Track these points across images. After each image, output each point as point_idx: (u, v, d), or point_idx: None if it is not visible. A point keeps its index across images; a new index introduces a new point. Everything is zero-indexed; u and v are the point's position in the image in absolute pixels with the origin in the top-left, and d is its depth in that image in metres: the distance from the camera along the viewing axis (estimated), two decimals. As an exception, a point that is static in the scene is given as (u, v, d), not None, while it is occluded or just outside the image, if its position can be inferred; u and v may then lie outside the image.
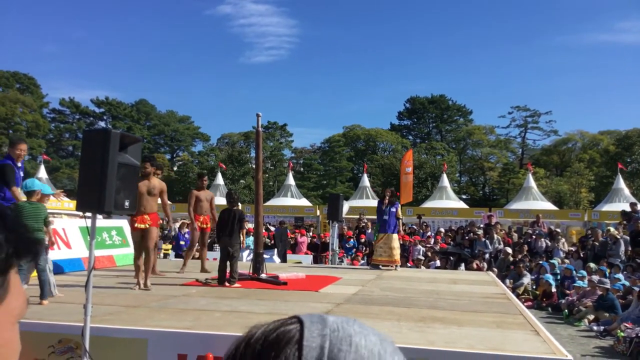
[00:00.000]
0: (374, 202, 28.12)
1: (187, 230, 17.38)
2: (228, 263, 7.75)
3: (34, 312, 5.10)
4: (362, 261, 15.98)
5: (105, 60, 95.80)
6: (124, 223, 11.17)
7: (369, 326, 0.61)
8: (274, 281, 8.10)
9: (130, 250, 11.02)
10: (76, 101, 63.19)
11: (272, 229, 18.52)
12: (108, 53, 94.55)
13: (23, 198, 6.47)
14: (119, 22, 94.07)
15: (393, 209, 11.12)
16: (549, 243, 16.31)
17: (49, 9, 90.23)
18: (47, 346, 4.56)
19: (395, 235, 11.07)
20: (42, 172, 31.43)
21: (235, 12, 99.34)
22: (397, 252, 11.09)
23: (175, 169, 57.85)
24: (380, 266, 11.09)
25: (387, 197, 11.23)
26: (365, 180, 30.20)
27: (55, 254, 8.37)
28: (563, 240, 17.01)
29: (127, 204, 4.41)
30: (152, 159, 8.04)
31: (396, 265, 11.13)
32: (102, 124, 63.73)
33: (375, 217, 22.21)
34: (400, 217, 11.32)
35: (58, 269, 8.33)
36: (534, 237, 16.78)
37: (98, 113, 64.12)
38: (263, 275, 8.46)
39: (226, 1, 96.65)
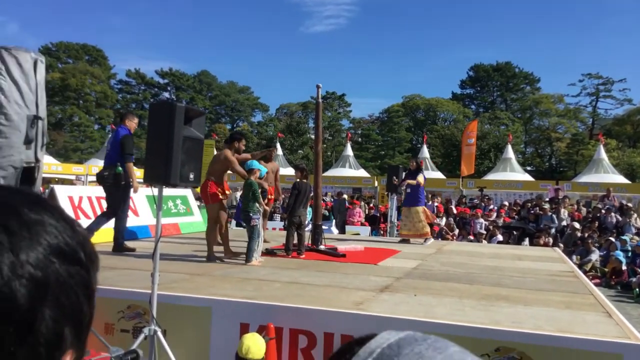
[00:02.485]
0: (434, 174, 27.75)
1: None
2: (296, 234, 7.85)
3: (105, 278, 5.34)
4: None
5: (169, 32, 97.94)
6: (188, 192, 11.51)
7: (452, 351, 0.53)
8: (333, 253, 8.12)
9: (194, 218, 11.38)
10: (142, 72, 65.25)
11: (328, 199, 18.57)
12: (172, 25, 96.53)
13: (134, 173, 7.45)
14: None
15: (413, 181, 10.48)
16: (620, 218, 15.54)
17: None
18: (117, 311, 4.77)
19: (418, 208, 10.44)
20: (111, 142, 32.78)
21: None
22: (422, 225, 10.43)
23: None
24: (405, 240, 10.67)
25: (412, 168, 10.66)
26: (425, 152, 29.69)
27: (127, 221, 8.72)
28: (635, 215, 16.14)
29: (192, 176, 4.49)
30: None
31: (426, 239, 10.52)
32: (166, 94, 65.53)
33: (434, 189, 21.92)
34: (419, 183, 10.42)
35: (131, 235, 8.71)
36: (603, 211, 16.03)
37: (162, 84, 65.92)
38: (322, 247, 8.51)
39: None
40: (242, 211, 7.02)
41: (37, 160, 4.04)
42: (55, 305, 0.57)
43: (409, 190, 10.61)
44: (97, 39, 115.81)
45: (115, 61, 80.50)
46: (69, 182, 24.09)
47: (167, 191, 10.87)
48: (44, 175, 7.17)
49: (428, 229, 10.68)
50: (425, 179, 10.76)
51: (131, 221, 9.33)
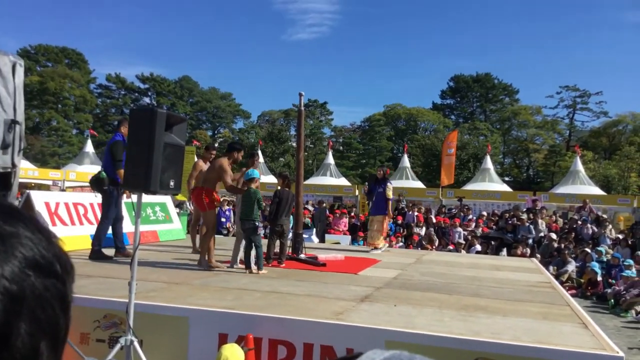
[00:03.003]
0: (414, 183, 27.89)
1: (227, 207, 17.61)
2: (277, 242, 7.83)
3: (81, 286, 5.25)
4: (401, 243, 15.85)
5: (151, 37, 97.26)
6: (167, 199, 11.38)
7: None
8: (313, 262, 8.10)
9: (173, 226, 11.25)
10: (122, 77, 64.52)
11: (311, 208, 18.50)
12: (153, 30, 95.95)
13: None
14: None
15: (380, 189, 10.47)
16: (596, 229, 15.79)
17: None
18: (92, 321, 4.68)
19: (379, 217, 10.45)
20: (89, 147, 32.32)
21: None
22: (377, 235, 10.45)
23: (216, 145, 58.47)
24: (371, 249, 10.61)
25: (379, 177, 10.61)
26: (406, 161, 29.83)
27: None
28: (610, 226, 16.42)
29: (172, 183, 4.44)
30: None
31: (373, 248, 10.47)
32: (146, 100, 64.93)
33: (414, 198, 22.05)
34: (390, 197, 10.50)
35: (109, 242, 8.57)
36: (579, 222, 16.27)
37: (143, 89, 65.33)
38: (302, 256, 8.48)
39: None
40: (246, 221, 7.07)
41: (13, 165, 3.96)
42: (31, 319, 0.55)
43: (373, 199, 10.65)
44: (77, 43, 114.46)
45: (95, 65, 79.75)
46: (46, 188, 23.68)
47: (146, 198, 10.73)
48: (20, 180, 7.07)
49: (380, 241, 10.63)
50: (392, 188, 10.83)
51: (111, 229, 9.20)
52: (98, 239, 7.63)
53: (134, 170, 4.34)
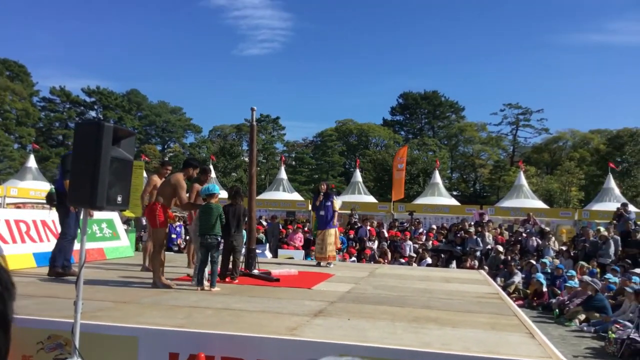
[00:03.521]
0: (366, 198, 28.19)
1: (178, 223, 17.26)
2: (231, 258, 7.71)
3: (23, 306, 5.00)
4: (353, 258, 15.94)
5: (97, 49, 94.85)
6: (114, 215, 11.05)
7: None
8: (267, 277, 8.03)
9: (120, 243, 10.93)
10: (67, 90, 62.46)
11: (264, 223, 18.39)
12: (100, 42, 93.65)
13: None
14: (111, 11, 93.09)
15: (328, 203, 10.63)
16: (540, 242, 16.36)
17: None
18: (36, 342, 4.47)
19: (331, 231, 10.59)
20: (32, 162, 31.09)
21: (229, 4, 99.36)
22: (331, 249, 10.57)
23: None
24: (320, 263, 10.66)
25: (322, 191, 10.75)
26: (358, 176, 30.13)
27: (47, 246, 8.28)
28: (553, 239, 17.05)
29: (119, 199, 4.32)
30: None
31: (329, 263, 10.56)
32: (92, 113, 63.11)
33: (366, 212, 22.24)
34: (337, 209, 10.71)
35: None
36: (524, 235, 16.83)
37: (89, 102, 63.46)
38: (255, 271, 8.40)
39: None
40: (209, 236, 6.94)
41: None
42: None
43: (322, 213, 10.70)
44: (19, 54, 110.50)
45: (38, 78, 77.19)
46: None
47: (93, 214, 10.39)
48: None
49: (334, 254, 10.80)
50: (340, 201, 11.09)
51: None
52: (54, 257, 7.32)
53: (80, 185, 4.21)
